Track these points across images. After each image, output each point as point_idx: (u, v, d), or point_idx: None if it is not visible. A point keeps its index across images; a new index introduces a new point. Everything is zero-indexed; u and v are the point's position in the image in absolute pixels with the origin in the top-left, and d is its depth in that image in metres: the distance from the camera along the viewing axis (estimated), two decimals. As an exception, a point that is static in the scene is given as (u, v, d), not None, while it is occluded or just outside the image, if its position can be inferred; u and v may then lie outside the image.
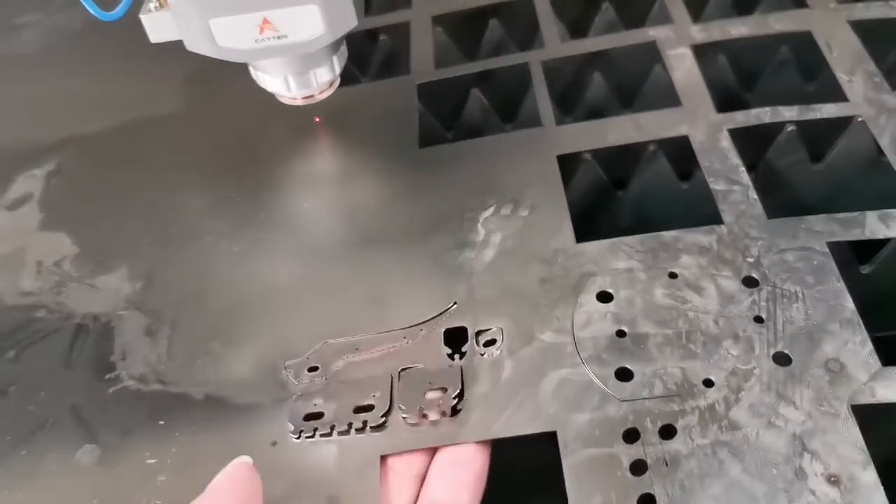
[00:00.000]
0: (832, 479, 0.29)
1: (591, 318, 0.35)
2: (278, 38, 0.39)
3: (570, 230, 0.39)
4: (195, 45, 0.40)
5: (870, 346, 0.33)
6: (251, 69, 0.45)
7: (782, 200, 0.46)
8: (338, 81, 0.45)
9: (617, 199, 0.47)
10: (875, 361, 0.33)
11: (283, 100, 0.45)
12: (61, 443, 0.36)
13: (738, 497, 0.29)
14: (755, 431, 0.31)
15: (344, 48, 0.45)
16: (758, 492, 0.29)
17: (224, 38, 0.39)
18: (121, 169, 0.51)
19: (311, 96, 0.45)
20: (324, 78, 0.44)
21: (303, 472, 0.33)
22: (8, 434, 0.38)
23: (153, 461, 0.34)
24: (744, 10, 0.56)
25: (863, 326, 0.34)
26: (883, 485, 0.29)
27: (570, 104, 0.53)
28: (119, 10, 0.39)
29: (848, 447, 0.30)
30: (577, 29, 0.58)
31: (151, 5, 0.40)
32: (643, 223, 0.48)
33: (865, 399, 0.31)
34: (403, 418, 0.33)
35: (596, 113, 0.53)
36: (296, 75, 0.43)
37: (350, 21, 0.39)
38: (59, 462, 0.36)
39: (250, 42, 0.39)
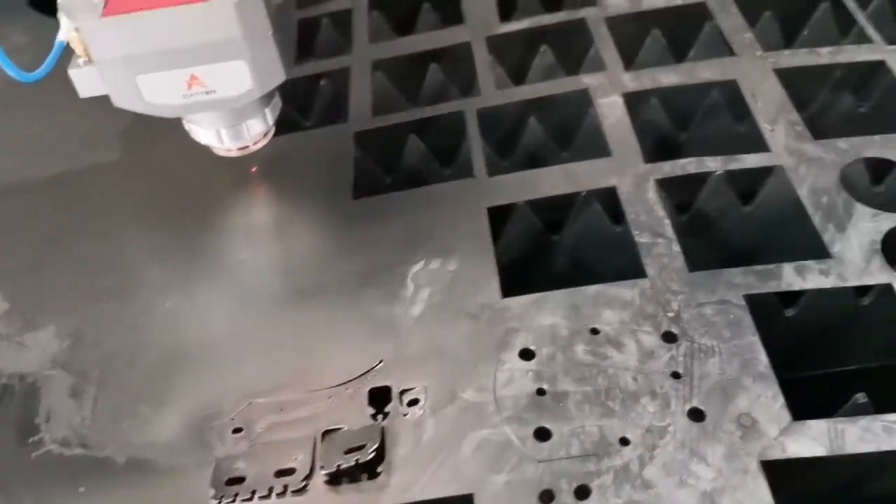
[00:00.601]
0: (740, 538, 0.30)
1: (513, 377, 0.36)
2: (207, 93, 0.40)
3: (497, 285, 0.40)
4: (123, 101, 0.40)
5: (781, 400, 0.34)
6: (184, 122, 0.45)
7: (710, 246, 0.48)
8: (272, 131, 0.46)
9: (552, 244, 0.48)
10: (786, 415, 0.33)
11: (217, 152, 0.46)
12: (-18, 510, 0.36)
13: (649, 559, 0.30)
14: (667, 490, 0.31)
15: (277, 99, 0.45)
16: (668, 552, 0.30)
17: (152, 94, 0.40)
18: (54, 221, 0.50)
19: (246, 147, 0.45)
20: (256, 129, 0.44)
21: (223, 539, 0.33)
22: (-72, 500, 0.37)
23: (73, 529, 0.34)
24: (678, 53, 0.58)
25: (776, 380, 0.35)
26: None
27: (506, 150, 0.53)
28: (41, 71, 0.39)
29: (756, 504, 0.31)
30: (518, 71, 0.58)
31: (80, 60, 0.40)
32: (578, 267, 0.49)
33: (775, 454, 0.32)
34: (325, 482, 0.33)
35: (533, 157, 0.53)
36: (228, 128, 0.43)
37: (279, 75, 0.40)
38: (-21, 530, 0.35)
39: (179, 97, 0.40)
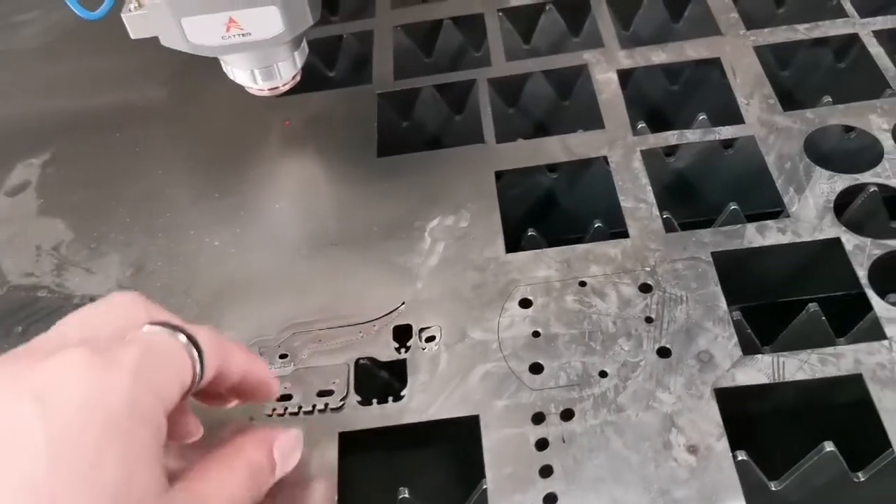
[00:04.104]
0: (692, 448, 0.37)
1: (514, 322, 0.43)
2: (243, 35, 0.46)
3: (502, 242, 0.46)
4: (170, 41, 0.47)
5: (735, 339, 0.41)
6: (223, 63, 0.51)
7: (686, 206, 0.54)
8: (300, 75, 0.52)
9: (549, 206, 0.55)
10: (738, 352, 0.40)
11: (251, 91, 0.52)
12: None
13: (618, 465, 0.37)
14: (636, 413, 0.39)
15: (305, 45, 0.52)
16: (633, 461, 0.37)
17: (195, 35, 0.46)
18: (108, 161, 0.57)
19: (276, 88, 0.52)
20: (286, 72, 0.51)
21: (275, 445, 0.40)
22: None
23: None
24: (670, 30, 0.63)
25: (731, 323, 0.41)
26: (731, 451, 0.37)
27: (513, 116, 0.59)
28: (101, 11, 0.46)
29: (707, 423, 0.38)
30: (525, 41, 0.63)
31: (131, 5, 0.47)
32: (572, 222, 0.55)
33: (726, 383, 0.39)
34: (358, 402, 0.41)
35: (536, 124, 0.59)
36: (261, 69, 0.50)
37: (306, 20, 0.47)
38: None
39: (218, 39, 0.46)
